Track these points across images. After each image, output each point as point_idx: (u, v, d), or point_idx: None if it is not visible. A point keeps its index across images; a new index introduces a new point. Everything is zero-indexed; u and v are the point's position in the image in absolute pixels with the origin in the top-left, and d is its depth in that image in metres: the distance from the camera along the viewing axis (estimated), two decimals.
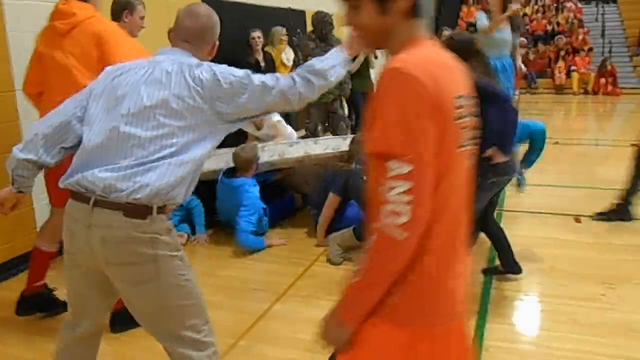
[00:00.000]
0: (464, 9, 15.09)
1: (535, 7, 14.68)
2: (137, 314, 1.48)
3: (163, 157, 1.38)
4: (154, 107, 1.39)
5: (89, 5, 2.27)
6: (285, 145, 3.94)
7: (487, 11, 4.34)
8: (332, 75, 1.57)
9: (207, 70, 1.45)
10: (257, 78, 1.48)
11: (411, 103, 0.91)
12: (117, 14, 2.56)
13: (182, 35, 1.53)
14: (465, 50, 2.34)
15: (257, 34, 4.86)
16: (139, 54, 2.09)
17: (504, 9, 4.17)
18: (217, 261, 3.19)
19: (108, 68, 1.54)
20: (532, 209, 3.85)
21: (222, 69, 1.46)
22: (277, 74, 1.53)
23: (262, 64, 4.93)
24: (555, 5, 14.56)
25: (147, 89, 1.41)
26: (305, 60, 4.92)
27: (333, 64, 1.57)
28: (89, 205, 1.36)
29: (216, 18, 1.58)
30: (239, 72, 1.48)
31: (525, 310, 2.55)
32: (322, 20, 4.69)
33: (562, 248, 3.23)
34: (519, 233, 3.50)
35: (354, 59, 5.46)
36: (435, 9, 13.15)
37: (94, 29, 2.19)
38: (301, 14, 6.45)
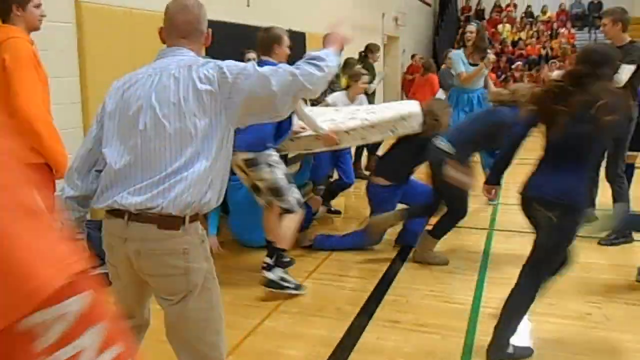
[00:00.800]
0: (462, 32, 15.41)
1: (530, 32, 15.00)
2: (166, 322, 1.51)
3: (185, 164, 1.38)
4: (167, 116, 1.40)
5: (13, 27, 2.22)
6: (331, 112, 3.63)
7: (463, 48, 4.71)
8: (328, 59, 1.53)
9: (213, 67, 1.45)
10: (261, 68, 1.47)
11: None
12: (267, 47, 2.79)
13: (179, 31, 1.52)
14: (612, 61, 2.12)
15: (252, 55, 4.98)
16: (34, 84, 2.12)
17: (479, 52, 4.57)
18: None
19: (115, 83, 1.54)
20: (523, 229, 3.90)
21: (228, 63, 1.47)
22: (285, 65, 1.52)
23: None
24: (549, 32, 14.89)
25: (158, 99, 1.42)
26: None
27: (327, 53, 1.56)
28: (124, 220, 1.40)
29: (202, 4, 1.59)
30: (243, 64, 1.49)
31: None
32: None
33: None
34: (510, 252, 3.54)
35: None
36: (434, 30, 13.30)
37: (6, 50, 2.14)
38: (301, 35, 6.60)
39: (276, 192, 2.87)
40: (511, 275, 3.14)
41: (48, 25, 3.08)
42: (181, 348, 1.51)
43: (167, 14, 1.55)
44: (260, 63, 2.85)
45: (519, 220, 3.45)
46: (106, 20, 3.58)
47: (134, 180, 1.39)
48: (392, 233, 3.67)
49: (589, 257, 3.40)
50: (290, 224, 2.90)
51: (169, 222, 1.38)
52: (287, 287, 2.87)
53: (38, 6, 2.28)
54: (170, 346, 1.55)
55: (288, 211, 2.89)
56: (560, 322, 2.58)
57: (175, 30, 1.53)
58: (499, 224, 4.10)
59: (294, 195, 2.91)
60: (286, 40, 2.93)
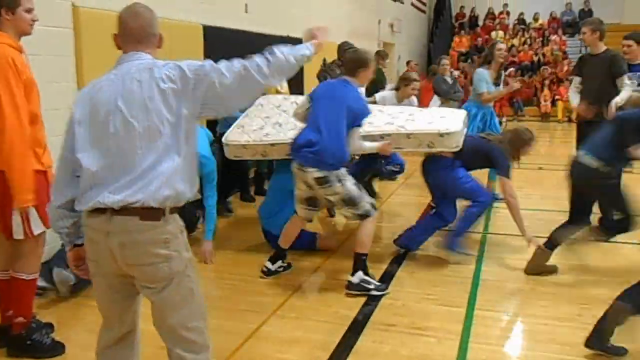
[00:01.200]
0: (456, 38, 15.59)
1: (523, 39, 15.19)
2: (152, 313, 1.58)
3: (159, 159, 1.47)
4: (135, 116, 1.48)
5: (1, 32, 2.17)
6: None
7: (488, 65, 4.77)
8: (290, 57, 1.61)
9: (173, 66, 1.53)
10: (218, 64, 1.55)
11: None
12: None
13: (133, 37, 1.59)
14: None
15: None
16: (11, 91, 2.07)
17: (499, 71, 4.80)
18: (209, 281, 3.21)
19: (80, 92, 1.61)
20: (516, 232, 3.94)
21: (187, 62, 1.55)
22: (240, 60, 1.58)
23: None
24: (540, 39, 15.08)
25: (124, 102, 1.49)
26: None
27: (292, 48, 1.62)
28: (107, 215, 1.47)
29: (152, 10, 1.64)
30: (202, 62, 1.55)
31: (507, 331, 2.61)
32: (344, 50, 5.16)
33: None
34: (503, 255, 3.59)
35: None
36: (429, 37, 13.43)
37: None
38: (299, 41, 6.66)
39: (350, 201, 2.93)
40: (504, 278, 3.20)
41: (45, 30, 3.11)
42: (169, 338, 1.59)
43: (120, 21, 1.61)
44: (342, 82, 3.01)
45: (512, 224, 3.53)
46: (104, 25, 3.59)
47: (112, 180, 1.46)
48: (389, 236, 3.70)
49: (580, 260, 3.46)
50: (367, 229, 2.99)
51: (151, 214, 1.46)
52: (369, 289, 2.95)
53: (29, 11, 2.24)
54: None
55: (363, 217, 2.95)
56: (552, 323, 2.62)
57: (130, 36, 1.59)
58: (492, 228, 4.14)
59: (366, 200, 2.99)
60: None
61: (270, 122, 3.68)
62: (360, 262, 3.00)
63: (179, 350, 1.57)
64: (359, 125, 3.01)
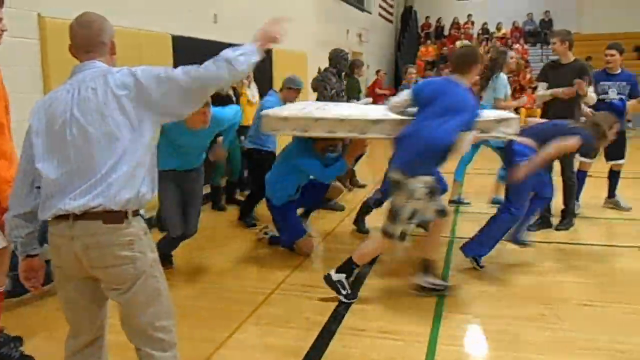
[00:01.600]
0: (422, 48, 15.96)
1: (486, 48, 15.68)
2: (120, 314, 1.60)
3: (118, 164, 1.49)
4: (92, 123, 1.50)
5: None
6: None
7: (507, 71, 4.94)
8: (241, 61, 1.60)
9: (127, 73, 1.56)
10: (173, 70, 1.58)
11: None
12: (465, 65, 2.81)
13: (84, 46, 1.61)
14: None
15: None
16: None
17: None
18: (180, 290, 3.17)
19: (37, 103, 1.62)
20: None
21: (142, 69, 1.58)
22: (193, 66, 1.59)
23: (233, 97, 5.13)
24: (503, 47, 15.62)
25: (80, 110, 1.51)
26: (331, 94, 5.02)
27: (242, 52, 1.62)
28: (70, 221, 1.48)
29: (104, 18, 1.66)
30: (157, 68, 1.58)
31: (474, 332, 2.70)
32: (338, 56, 5.24)
33: (507, 272, 3.44)
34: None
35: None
36: (396, 46, 13.64)
37: None
38: (267, 51, 6.70)
39: (393, 215, 2.84)
40: (470, 281, 3.31)
41: (11, 41, 3.05)
42: (137, 337, 1.61)
43: (71, 31, 1.63)
44: (450, 83, 2.85)
45: (478, 228, 3.67)
46: None
47: (73, 187, 1.48)
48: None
49: (544, 261, 3.61)
50: (373, 246, 2.99)
51: (113, 216, 1.49)
52: (340, 292, 3.00)
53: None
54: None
55: (386, 235, 2.89)
56: (517, 323, 2.73)
57: (80, 45, 1.62)
58: (459, 232, 4.27)
59: (404, 227, 2.85)
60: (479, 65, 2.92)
61: (313, 107, 3.64)
62: (349, 267, 3.02)
63: (147, 348, 1.60)
64: (469, 130, 2.80)
